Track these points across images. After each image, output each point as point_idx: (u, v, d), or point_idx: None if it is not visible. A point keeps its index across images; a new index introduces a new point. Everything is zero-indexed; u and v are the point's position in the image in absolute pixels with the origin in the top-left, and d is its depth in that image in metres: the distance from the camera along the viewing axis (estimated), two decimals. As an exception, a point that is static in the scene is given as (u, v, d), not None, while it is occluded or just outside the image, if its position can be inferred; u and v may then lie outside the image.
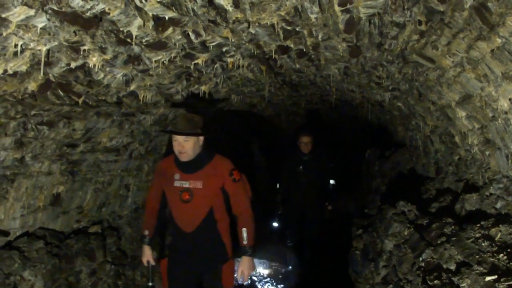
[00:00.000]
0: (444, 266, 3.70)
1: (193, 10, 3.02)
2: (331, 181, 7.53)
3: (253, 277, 7.76)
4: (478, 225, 3.84)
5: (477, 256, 3.47)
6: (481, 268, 3.30)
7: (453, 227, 4.13)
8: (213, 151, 4.26)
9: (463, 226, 4.00)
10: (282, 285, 7.70)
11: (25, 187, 4.72)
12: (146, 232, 4.43)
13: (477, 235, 3.72)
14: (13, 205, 4.66)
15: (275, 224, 7.95)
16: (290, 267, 8.05)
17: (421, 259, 4.11)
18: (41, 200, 5.04)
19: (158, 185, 4.40)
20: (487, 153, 4.29)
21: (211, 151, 4.23)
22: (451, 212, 4.55)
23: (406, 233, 4.81)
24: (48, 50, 3.12)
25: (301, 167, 7.42)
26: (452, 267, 3.62)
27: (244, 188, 4.29)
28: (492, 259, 3.33)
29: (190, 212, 4.15)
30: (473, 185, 4.67)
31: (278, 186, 7.74)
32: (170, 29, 3.24)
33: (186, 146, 3.97)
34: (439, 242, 4.04)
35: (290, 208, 7.69)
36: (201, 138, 4.08)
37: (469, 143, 4.54)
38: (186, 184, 4.10)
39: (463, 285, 3.25)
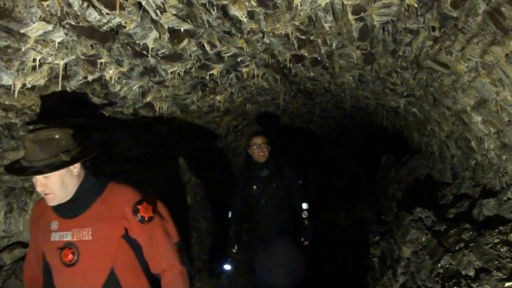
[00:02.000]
0: (463, 272, 3.69)
1: (208, 21, 3.05)
2: (304, 205, 5.37)
3: None
4: (496, 230, 3.82)
5: (496, 262, 3.46)
6: (500, 274, 3.29)
7: (471, 232, 4.11)
8: (105, 177, 2.84)
9: (481, 232, 3.99)
10: None
11: (44, 199, 4.76)
12: None
13: (496, 240, 3.70)
14: (33, 217, 4.71)
15: (227, 267, 5.69)
16: None
17: (439, 265, 4.09)
18: (59, 212, 5.08)
19: (34, 242, 2.89)
20: (504, 157, 4.27)
21: (101, 178, 2.79)
22: (469, 218, 4.53)
23: (423, 240, 4.80)
24: (66, 64, 3.16)
25: (254, 187, 5.35)
26: (471, 273, 3.61)
27: (164, 230, 2.81)
28: (511, 265, 3.32)
29: (77, 282, 2.65)
30: (491, 190, 4.65)
31: (230, 215, 5.46)
32: (186, 41, 3.27)
33: (50, 185, 2.55)
34: (457, 248, 4.03)
35: (251, 248, 5.64)
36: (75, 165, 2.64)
37: (486, 147, 4.53)
38: (67, 237, 2.64)
39: (482, 291, 3.25)
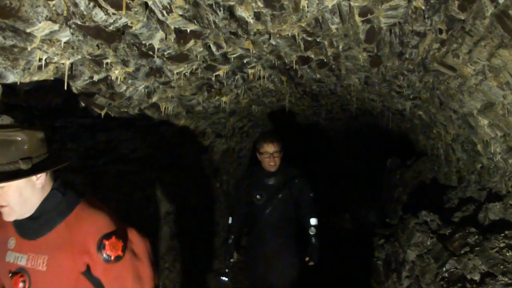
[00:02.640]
0: (468, 276, 3.67)
1: (214, 22, 3.05)
2: (312, 221, 4.79)
3: None
4: (502, 234, 3.81)
5: (501, 267, 3.44)
6: (506, 279, 3.27)
7: (476, 236, 4.09)
8: (77, 195, 2.30)
9: (486, 236, 3.97)
10: None
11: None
12: None
13: (501, 244, 3.69)
14: (37, 216, 4.70)
15: (224, 279, 5.04)
16: None
17: (444, 269, 4.08)
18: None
19: None
20: (510, 161, 4.25)
21: (70, 196, 2.26)
22: (474, 222, 4.51)
23: (428, 243, 4.78)
24: (72, 64, 3.16)
25: (258, 196, 4.75)
26: (476, 277, 3.59)
27: (135, 274, 2.23)
28: (517, 269, 3.30)
29: None
30: (496, 193, 4.63)
31: (230, 221, 4.98)
32: (192, 42, 3.27)
33: (6, 196, 2.09)
34: (462, 252, 4.01)
35: (251, 261, 5.06)
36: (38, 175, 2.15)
37: (492, 151, 4.51)
38: (21, 260, 2.18)
39: (488, 295, 3.23)
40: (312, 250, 4.75)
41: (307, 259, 4.73)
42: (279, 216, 4.72)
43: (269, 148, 4.60)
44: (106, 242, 2.10)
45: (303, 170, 5.03)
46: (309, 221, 4.77)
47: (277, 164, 4.64)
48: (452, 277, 3.91)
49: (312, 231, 4.74)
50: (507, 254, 3.55)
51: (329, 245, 7.78)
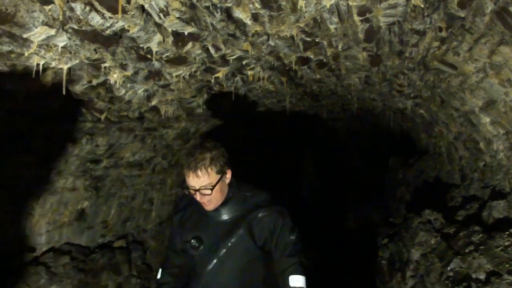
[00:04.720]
0: (473, 275, 3.65)
1: (212, 24, 3.03)
2: (297, 281, 2.51)
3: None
4: (507, 232, 3.78)
5: (507, 265, 3.41)
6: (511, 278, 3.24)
7: (481, 235, 4.06)
8: None
9: (491, 234, 3.94)
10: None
11: (50, 203, 4.76)
12: None
13: (506, 243, 3.66)
14: (39, 221, 4.70)
15: None
16: None
17: (449, 268, 4.05)
18: (66, 216, 5.08)
19: None
20: (513, 158, 4.23)
21: None
22: (478, 220, 4.48)
23: (433, 242, 4.75)
24: (70, 68, 3.15)
25: (193, 241, 2.64)
26: (482, 276, 3.56)
27: None
28: (522, 268, 3.28)
29: None
30: (500, 191, 4.60)
31: (159, 275, 2.88)
32: (190, 44, 3.26)
33: None
34: (467, 251, 3.99)
35: None
36: None
37: (494, 149, 4.48)
38: None
39: (493, 295, 3.21)
40: None
41: None
42: (232, 276, 2.66)
43: (193, 181, 2.47)
44: None
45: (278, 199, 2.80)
46: (291, 281, 2.55)
47: (214, 203, 2.57)
48: (457, 276, 3.89)
49: None
50: (512, 252, 3.53)
51: (333, 245, 7.79)
